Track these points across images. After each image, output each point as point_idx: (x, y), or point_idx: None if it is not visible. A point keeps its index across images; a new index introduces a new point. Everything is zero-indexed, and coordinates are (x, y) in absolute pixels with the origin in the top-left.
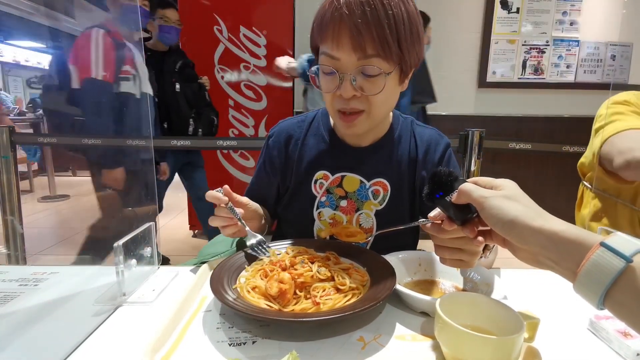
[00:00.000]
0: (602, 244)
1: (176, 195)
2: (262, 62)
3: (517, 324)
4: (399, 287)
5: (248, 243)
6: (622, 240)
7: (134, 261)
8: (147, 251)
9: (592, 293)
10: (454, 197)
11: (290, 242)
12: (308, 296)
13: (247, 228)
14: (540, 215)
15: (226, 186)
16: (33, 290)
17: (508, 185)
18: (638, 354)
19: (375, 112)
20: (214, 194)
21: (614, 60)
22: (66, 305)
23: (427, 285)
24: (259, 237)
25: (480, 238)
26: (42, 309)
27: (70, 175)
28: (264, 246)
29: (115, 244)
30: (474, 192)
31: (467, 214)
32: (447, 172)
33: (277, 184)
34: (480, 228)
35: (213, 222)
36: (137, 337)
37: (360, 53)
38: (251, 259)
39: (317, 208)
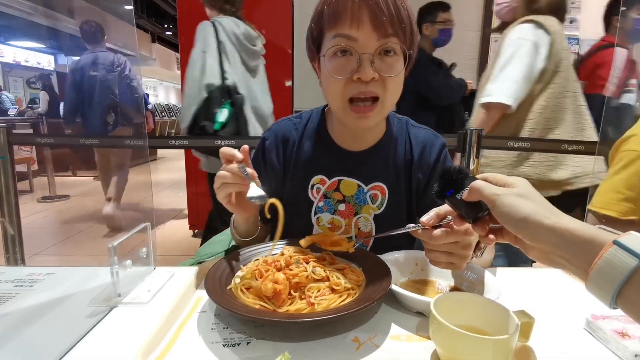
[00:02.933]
0: (615, 242)
1: (176, 195)
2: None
3: (511, 324)
4: (394, 287)
5: (248, 195)
6: (635, 239)
7: (129, 262)
8: (142, 251)
9: (604, 292)
10: (464, 195)
11: (285, 242)
12: (303, 296)
13: (253, 184)
14: (553, 213)
15: (245, 146)
16: (28, 291)
17: (520, 183)
18: (636, 355)
19: (388, 99)
20: (230, 150)
21: None
22: (61, 307)
23: (423, 284)
24: (262, 193)
25: (491, 236)
26: (37, 310)
27: (70, 175)
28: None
29: (110, 245)
30: (486, 189)
31: (478, 212)
32: (457, 169)
33: (275, 186)
34: (492, 225)
35: (219, 178)
36: (131, 338)
37: (381, 32)
38: (245, 259)
39: (315, 213)
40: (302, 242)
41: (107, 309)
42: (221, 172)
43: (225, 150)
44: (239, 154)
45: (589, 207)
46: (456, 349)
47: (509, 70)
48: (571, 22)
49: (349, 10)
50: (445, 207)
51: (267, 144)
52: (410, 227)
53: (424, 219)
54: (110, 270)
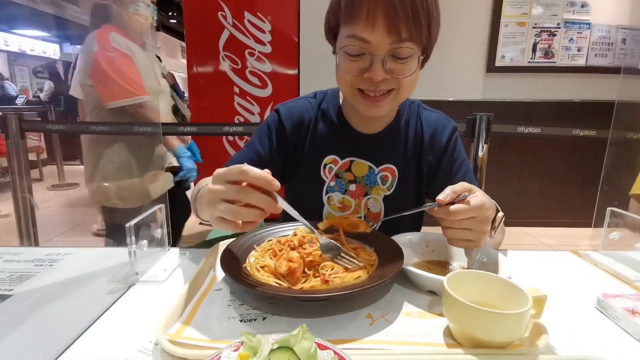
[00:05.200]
0: None
1: None
2: (267, 49)
3: (524, 300)
4: (406, 266)
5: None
6: None
7: (145, 242)
8: (157, 232)
9: None
10: None
11: (299, 223)
12: (317, 274)
13: (311, 226)
14: None
15: (267, 171)
16: (48, 270)
17: None
18: None
19: (402, 92)
20: (264, 176)
21: (624, 44)
22: (81, 284)
23: (435, 265)
24: (331, 241)
25: None
26: (58, 287)
27: (79, 164)
28: (342, 254)
29: (127, 225)
30: None
31: None
32: None
33: (283, 158)
34: None
35: (240, 194)
36: (150, 313)
37: (395, 36)
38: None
39: (327, 193)
40: (320, 225)
41: (125, 286)
42: (250, 193)
43: (258, 174)
44: (277, 184)
45: (630, 193)
46: (470, 324)
47: None
48: (583, 6)
49: (364, 9)
50: (461, 184)
51: (282, 116)
52: (427, 205)
53: (440, 196)
54: (127, 250)
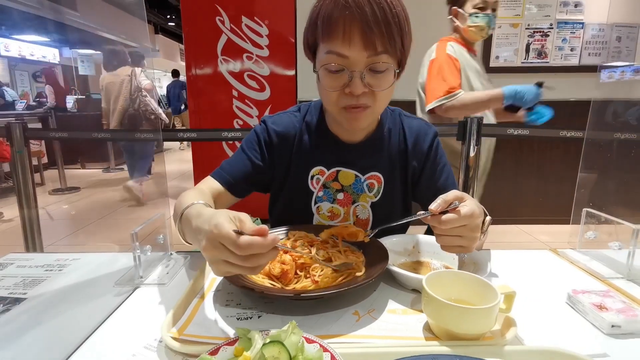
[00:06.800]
0: None
1: (184, 186)
2: (265, 52)
3: (494, 296)
4: (391, 266)
5: None
6: None
7: (149, 246)
8: (160, 238)
9: None
10: None
11: (291, 227)
12: (308, 276)
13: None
14: None
15: (264, 227)
16: (58, 274)
17: None
18: (612, 326)
19: (378, 106)
20: (267, 243)
21: (619, 42)
22: (90, 287)
23: (419, 265)
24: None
25: None
26: (69, 289)
27: (79, 168)
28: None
29: (132, 231)
30: None
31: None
32: None
33: (272, 167)
34: None
35: (250, 247)
36: (154, 313)
37: (371, 50)
38: None
39: (315, 203)
40: (322, 234)
41: (131, 289)
42: (257, 261)
43: (263, 243)
44: (276, 240)
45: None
46: (444, 318)
47: None
48: (576, 5)
49: (340, 27)
50: (452, 193)
51: (269, 127)
52: (420, 214)
53: (432, 206)
54: (132, 255)
